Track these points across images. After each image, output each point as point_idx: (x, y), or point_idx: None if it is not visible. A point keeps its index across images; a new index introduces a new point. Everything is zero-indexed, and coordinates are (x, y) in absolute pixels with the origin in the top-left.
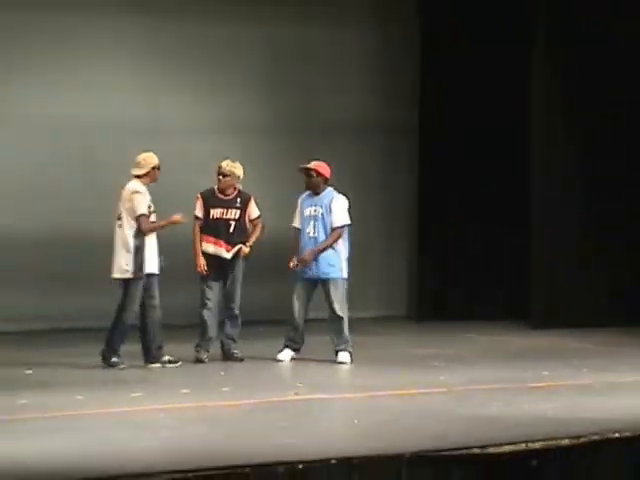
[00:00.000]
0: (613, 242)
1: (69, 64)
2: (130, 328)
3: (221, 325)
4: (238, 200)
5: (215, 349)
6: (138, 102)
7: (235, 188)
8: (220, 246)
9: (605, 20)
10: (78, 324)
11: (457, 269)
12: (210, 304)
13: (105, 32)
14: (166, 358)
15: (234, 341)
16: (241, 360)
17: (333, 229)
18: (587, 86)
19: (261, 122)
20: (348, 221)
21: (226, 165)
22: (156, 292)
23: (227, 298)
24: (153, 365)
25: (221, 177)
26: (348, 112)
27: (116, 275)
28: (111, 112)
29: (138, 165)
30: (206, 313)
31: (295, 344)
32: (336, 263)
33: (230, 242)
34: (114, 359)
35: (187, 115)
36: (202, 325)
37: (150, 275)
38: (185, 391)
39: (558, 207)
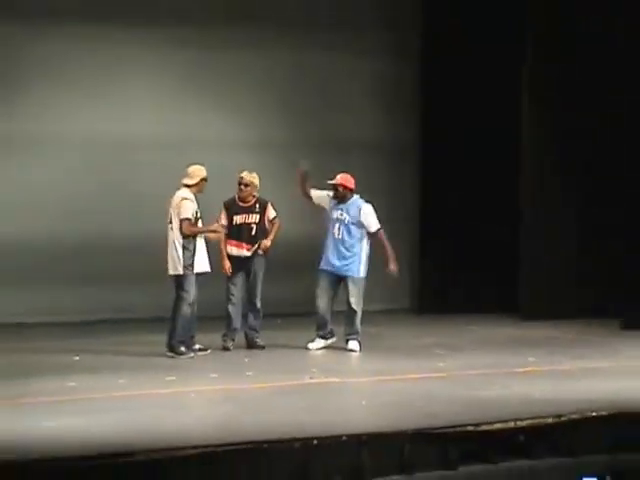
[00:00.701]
0: (612, 242)
1: (94, 82)
2: (194, 319)
3: (245, 317)
4: (257, 206)
5: (240, 338)
6: (161, 119)
7: (254, 196)
8: (242, 248)
9: (605, 20)
10: (116, 316)
11: (456, 269)
12: (234, 299)
13: (130, 51)
14: (197, 346)
15: (256, 331)
16: (263, 348)
17: (373, 233)
18: (587, 86)
19: (271, 139)
20: (379, 224)
21: (246, 176)
22: (193, 289)
23: (250, 293)
24: (168, 354)
25: (242, 187)
26: (349, 115)
27: (169, 272)
28: (127, 127)
29: (189, 175)
30: (231, 307)
31: (323, 332)
32: (356, 262)
33: (252, 243)
34: (182, 348)
35: (208, 132)
36: (228, 317)
37: (198, 274)
38: (214, 375)
39: (555, 206)
